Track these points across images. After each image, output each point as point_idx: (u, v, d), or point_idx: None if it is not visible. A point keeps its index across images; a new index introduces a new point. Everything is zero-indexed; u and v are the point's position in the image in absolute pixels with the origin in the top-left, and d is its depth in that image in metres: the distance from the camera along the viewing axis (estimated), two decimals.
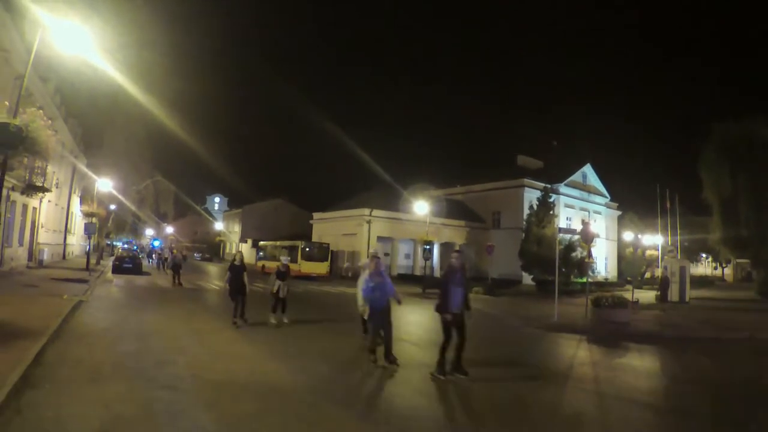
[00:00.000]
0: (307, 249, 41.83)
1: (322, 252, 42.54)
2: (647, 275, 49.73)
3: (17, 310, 12.75)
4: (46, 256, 32.77)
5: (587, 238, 21.20)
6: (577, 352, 13.40)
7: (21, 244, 28.11)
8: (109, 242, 59.85)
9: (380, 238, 46.89)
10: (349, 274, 45.29)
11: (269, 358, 10.27)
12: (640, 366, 11.92)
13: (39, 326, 10.84)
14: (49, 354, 9.12)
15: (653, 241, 45.35)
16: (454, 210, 51.45)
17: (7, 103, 9.80)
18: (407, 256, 50.20)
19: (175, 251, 34.66)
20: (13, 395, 6.54)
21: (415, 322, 19.01)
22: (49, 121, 10.36)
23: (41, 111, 10.34)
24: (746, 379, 11.24)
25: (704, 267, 76.31)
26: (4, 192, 22.81)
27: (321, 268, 41.42)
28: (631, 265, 51.89)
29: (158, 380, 7.92)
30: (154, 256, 51.02)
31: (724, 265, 72.99)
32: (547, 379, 9.99)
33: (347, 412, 7.00)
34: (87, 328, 12.28)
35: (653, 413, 8.09)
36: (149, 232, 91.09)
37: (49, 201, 33.89)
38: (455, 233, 50.51)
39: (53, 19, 10.01)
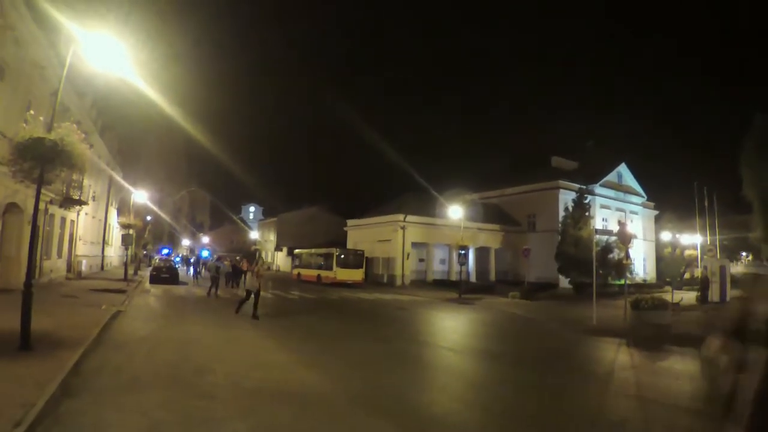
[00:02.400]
0: (342, 256, 41.83)
1: (357, 259, 42.52)
2: (686, 276, 48.91)
3: (57, 321, 12.89)
4: (84, 268, 33.25)
5: (624, 239, 20.88)
6: (618, 356, 13.19)
7: (60, 256, 28.52)
8: (146, 253, 60.26)
9: (415, 244, 46.72)
10: (385, 281, 45.33)
11: (306, 365, 10.24)
12: (683, 370, 11.66)
13: (78, 336, 10.98)
14: (88, 363, 9.21)
15: (692, 240, 44.62)
16: (488, 213, 51.07)
17: (41, 118, 9.93)
18: (442, 262, 49.93)
19: (227, 262, 34.47)
20: (52, 404, 6.60)
21: (452, 328, 18.87)
22: (84, 135, 10.43)
23: (75, 125, 10.41)
24: None
25: (745, 266, 74.87)
26: (42, 206, 23.36)
27: (356, 275, 41.40)
28: (669, 266, 51.03)
29: (196, 388, 7.95)
30: (201, 267, 46.77)
31: (765, 263, 71.54)
32: (588, 384, 9.85)
33: (383, 421, 6.91)
34: (125, 338, 12.39)
35: (698, 419, 7.90)
36: (186, 242, 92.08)
37: (86, 213, 34.42)
38: (491, 237, 50.14)
39: (86, 34, 10.11)
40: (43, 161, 9.51)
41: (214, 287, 26.49)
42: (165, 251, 67.60)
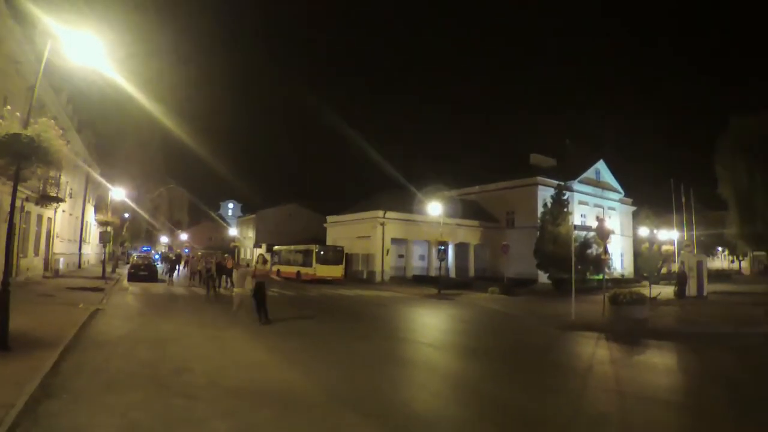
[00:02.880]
0: (322, 253, 41.75)
1: (336, 255, 42.46)
2: (663, 271, 49.36)
3: (34, 320, 12.78)
4: (61, 266, 33.00)
5: (603, 234, 21.00)
6: (597, 351, 13.29)
7: (36, 254, 28.26)
8: (124, 251, 59.78)
9: (394, 240, 46.71)
10: (365, 277, 45.29)
11: (286, 364, 10.25)
12: (661, 363, 11.79)
13: (56, 335, 10.91)
14: (67, 363, 9.17)
15: (669, 236, 45.10)
16: (468, 210, 51.31)
17: (18, 113, 9.78)
18: (422, 258, 49.96)
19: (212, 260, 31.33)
20: (30, 405, 6.58)
21: (432, 325, 18.91)
22: (61, 131, 10.30)
23: (53, 121, 10.28)
24: (763, 372, 11.15)
25: (721, 261, 75.75)
26: (19, 203, 23.09)
27: (336, 271, 41.35)
28: (647, 261, 51.50)
29: (175, 388, 7.91)
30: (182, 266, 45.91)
31: (741, 259, 72.41)
32: (568, 379, 9.91)
33: (365, 419, 6.90)
34: (103, 337, 12.28)
35: (676, 412, 7.99)
36: (164, 239, 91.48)
37: (63, 211, 34.07)
38: (470, 233, 50.34)
39: (63, 30, 10.01)
40: (19, 158, 9.39)
41: (212, 286, 25.71)
42: (145, 249, 66.96)
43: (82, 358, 9.73)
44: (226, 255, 37.66)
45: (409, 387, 8.97)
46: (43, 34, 10.47)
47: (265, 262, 16.98)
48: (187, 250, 60.90)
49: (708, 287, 29.57)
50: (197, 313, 18.65)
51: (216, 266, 27.47)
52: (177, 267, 38.71)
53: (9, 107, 10.13)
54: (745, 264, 73.15)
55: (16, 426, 5.89)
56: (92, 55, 10.38)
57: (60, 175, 27.81)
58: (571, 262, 20.95)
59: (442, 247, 33.78)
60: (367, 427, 6.67)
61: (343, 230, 51.46)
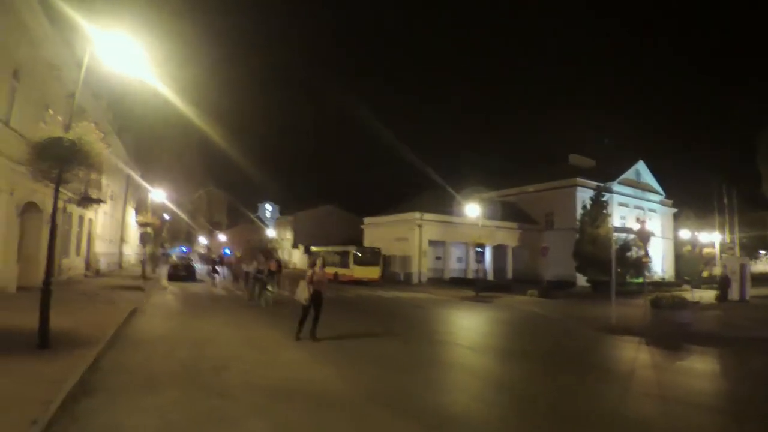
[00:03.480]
0: (359, 254, 41.76)
1: (373, 257, 42.43)
2: (705, 274, 48.53)
3: (75, 319, 12.97)
4: (102, 266, 33.54)
5: (644, 236, 20.69)
6: (638, 355, 13.06)
7: (78, 254, 28.78)
8: (163, 251, 60.41)
9: (432, 242, 46.63)
10: (402, 278, 45.21)
11: (322, 363, 10.22)
12: (704, 369, 11.55)
13: (96, 334, 11.04)
14: (105, 361, 9.29)
15: (710, 238, 44.29)
16: (506, 212, 51.04)
17: (60, 118, 9.94)
18: (459, 260, 49.81)
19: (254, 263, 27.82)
20: (69, 402, 6.65)
21: (470, 326, 18.79)
22: (102, 135, 10.41)
23: (93, 125, 10.41)
24: None
25: (764, 264, 74.16)
26: (60, 204, 23.50)
27: (373, 272, 41.32)
28: (688, 264, 50.67)
29: (212, 387, 7.95)
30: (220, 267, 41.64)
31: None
32: (608, 383, 9.74)
33: (401, 420, 6.83)
34: (143, 336, 12.44)
35: (720, 418, 7.78)
36: (203, 240, 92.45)
37: (104, 212, 34.74)
38: (508, 235, 50.06)
39: (101, 34, 10.12)
40: (61, 161, 9.50)
41: (258, 288, 22.43)
42: (184, 250, 67.40)
43: (121, 356, 9.85)
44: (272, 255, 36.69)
45: (446, 389, 8.86)
46: (82, 39, 10.60)
47: (324, 265, 14.15)
48: (227, 251, 59.56)
49: (751, 291, 28.97)
50: (233, 313, 18.75)
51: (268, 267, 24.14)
52: (218, 268, 35.52)
53: (51, 112, 10.26)
54: None
55: (54, 423, 5.93)
56: (131, 58, 10.48)
57: (101, 178, 28.35)
58: (611, 264, 20.61)
59: (480, 249, 33.58)
60: (402, 426, 6.61)
61: (381, 232, 51.49)
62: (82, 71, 10.73)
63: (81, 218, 29.08)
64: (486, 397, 8.44)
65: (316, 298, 13.24)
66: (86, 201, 27.47)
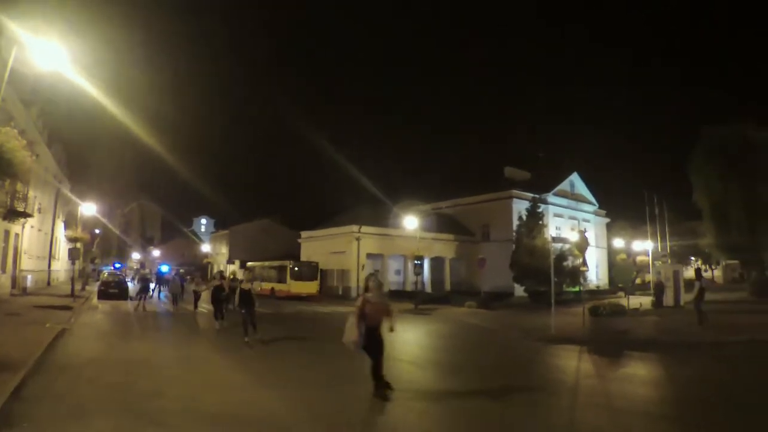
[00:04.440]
0: (296, 269, 41.30)
1: (311, 271, 42.00)
2: (638, 281, 49.62)
3: None
4: (29, 283, 32.16)
5: (582, 246, 20.90)
6: (581, 364, 13.10)
7: (3, 271, 27.51)
8: (94, 268, 58.54)
9: (370, 255, 46.37)
10: (340, 293, 44.85)
11: (263, 386, 9.84)
12: (647, 375, 11.68)
13: (19, 357, 10.40)
14: (29, 388, 8.67)
15: (643, 247, 45.24)
16: (443, 224, 51.24)
17: None
18: (398, 272, 49.69)
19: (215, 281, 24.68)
20: None
21: (410, 340, 18.59)
22: (25, 142, 9.89)
23: (16, 131, 9.88)
24: (756, 384, 10.95)
25: (693, 270, 76.22)
26: None
27: (311, 287, 40.88)
28: (622, 272, 51.73)
29: (146, 415, 7.49)
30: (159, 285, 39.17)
31: (714, 268, 72.94)
32: (554, 394, 9.63)
33: None
34: (70, 359, 11.78)
35: (669, 426, 7.72)
36: (136, 256, 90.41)
37: (32, 227, 33.29)
38: (445, 247, 50.20)
39: (30, 37, 9.66)
40: None
41: (219, 312, 19.40)
42: (117, 265, 64.86)
43: (46, 382, 9.25)
44: (230, 275, 34.66)
45: (392, 407, 8.57)
46: (9, 41, 10.10)
47: (380, 285, 10.45)
48: (167, 267, 53.27)
49: (684, 296, 29.64)
50: (168, 332, 18.20)
51: (228, 288, 21.98)
52: (150, 287, 30.30)
53: None
54: (718, 273, 73.68)
55: None
56: (58, 61, 10.01)
57: (28, 190, 27.24)
58: (550, 274, 20.69)
59: (419, 262, 33.54)
60: None
61: (318, 246, 50.93)
62: (5, 73, 10.18)
63: (7, 233, 27.78)
64: (432, 413, 8.21)
65: (371, 339, 9.46)
66: (12, 214, 26.10)
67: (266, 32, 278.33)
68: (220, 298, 19.71)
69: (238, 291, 18.41)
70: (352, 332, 9.32)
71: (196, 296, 25.93)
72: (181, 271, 35.31)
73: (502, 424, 7.59)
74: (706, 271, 75.28)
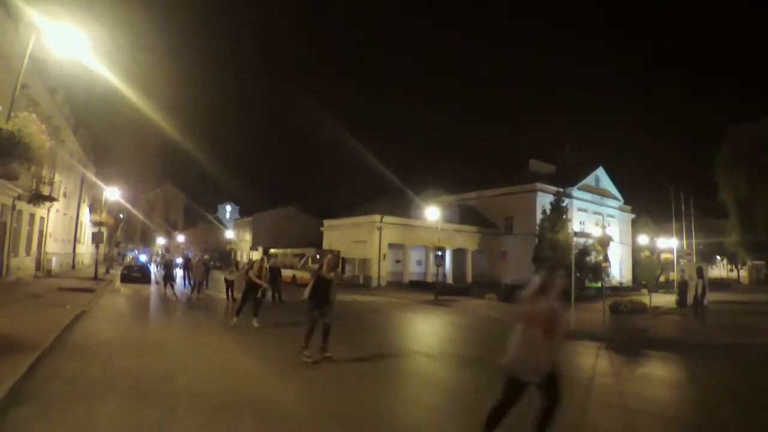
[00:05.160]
0: (318, 257, 41.31)
1: (332, 259, 41.96)
2: (662, 279, 49.15)
3: (16, 322, 12.44)
4: (54, 266, 32.60)
5: (604, 242, 20.69)
6: (598, 362, 12.85)
7: (28, 253, 27.87)
8: (119, 251, 58.98)
9: (391, 245, 46.27)
10: (361, 282, 44.80)
11: (274, 374, 9.82)
12: (665, 376, 11.43)
13: (36, 338, 10.47)
14: (42, 368, 8.76)
15: (668, 244, 44.80)
16: (466, 216, 51.04)
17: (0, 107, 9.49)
18: (419, 263, 49.57)
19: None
20: None
21: (428, 332, 18.50)
22: (43, 126, 9.94)
23: (34, 115, 9.93)
24: None
25: (720, 269, 75.55)
26: (10, 201, 22.75)
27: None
28: (645, 269, 51.32)
29: (153, 399, 7.49)
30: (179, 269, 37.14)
31: (740, 267, 72.11)
32: (568, 393, 9.44)
33: None
34: (86, 341, 11.88)
35: (683, 429, 7.57)
36: (161, 241, 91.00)
37: (57, 210, 33.70)
38: (468, 239, 50.03)
39: (48, 23, 9.67)
40: None
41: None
42: (142, 257, 64.16)
43: (60, 363, 9.31)
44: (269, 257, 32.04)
45: (402, 400, 8.49)
46: (28, 27, 10.15)
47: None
48: (190, 252, 52.15)
49: (709, 296, 29.23)
50: (187, 316, 18.26)
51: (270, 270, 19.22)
52: (174, 273, 28.25)
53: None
54: (743, 273, 72.79)
55: None
56: (77, 48, 10.02)
57: (53, 174, 27.57)
58: (571, 269, 20.50)
59: (440, 253, 33.43)
60: None
61: (340, 234, 50.98)
62: (25, 58, 10.23)
63: (32, 216, 28.20)
64: (442, 409, 8.10)
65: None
66: (37, 198, 26.60)
67: (292, 17, 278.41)
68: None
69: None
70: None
71: (228, 285, 22.86)
72: (206, 257, 34.18)
73: (510, 421, 7.47)
74: (732, 270, 74.57)
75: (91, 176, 43.57)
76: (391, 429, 6.97)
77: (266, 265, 17.43)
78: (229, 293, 22.80)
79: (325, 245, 51.03)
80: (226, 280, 23.21)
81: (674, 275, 39.65)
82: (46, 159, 10.47)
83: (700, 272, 23.17)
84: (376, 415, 7.51)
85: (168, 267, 27.26)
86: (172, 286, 25.91)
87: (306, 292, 11.38)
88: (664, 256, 46.82)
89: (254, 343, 13.18)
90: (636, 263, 55.95)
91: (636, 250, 55.91)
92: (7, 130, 8.98)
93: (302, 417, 7.23)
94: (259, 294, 16.38)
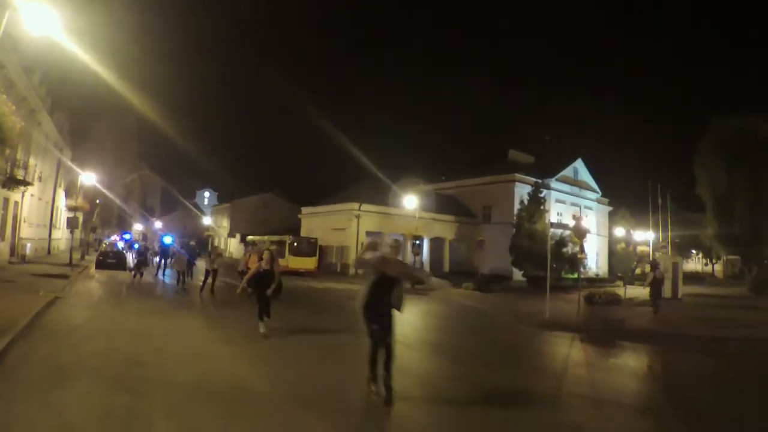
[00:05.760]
0: (296, 244, 41.34)
1: (310, 247, 42.03)
2: (638, 271, 49.55)
3: None
4: (29, 251, 32.19)
5: (580, 233, 20.80)
6: (571, 352, 12.96)
7: (2, 239, 27.51)
8: (96, 237, 58.45)
9: (369, 233, 46.20)
10: (338, 270, 44.80)
11: (245, 359, 9.74)
12: (637, 367, 11.55)
13: (7, 324, 10.32)
14: (12, 353, 8.65)
15: (644, 237, 45.21)
16: (444, 204, 51.04)
17: None
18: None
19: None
20: None
21: (404, 320, 18.48)
22: (14, 107, 9.78)
23: (5, 96, 9.76)
24: (746, 379, 10.85)
25: (695, 263, 76.32)
26: None
27: (309, 263, 40.90)
28: (622, 261, 51.75)
29: (122, 383, 7.41)
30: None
31: (714, 262, 72.90)
32: (541, 382, 9.51)
33: (319, 419, 6.50)
34: (57, 326, 11.75)
35: (653, 421, 7.59)
36: (138, 227, 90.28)
37: (32, 195, 33.26)
38: (445, 228, 50.09)
39: (23, 0, 9.51)
40: None
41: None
42: (126, 236, 63.19)
43: (30, 348, 9.19)
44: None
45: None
46: (2, 5, 9.97)
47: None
48: (170, 237, 44.63)
49: (683, 289, 29.54)
50: (162, 301, 18.15)
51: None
52: (148, 260, 28.29)
53: None
54: (718, 267, 73.65)
55: None
56: (50, 25, 9.85)
57: (28, 158, 27.20)
58: (548, 259, 20.60)
59: (417, 242, 33.49)
60: (317, 427, 6.29)
61: (319, 222, 50.95)
62: None
63: (6, 201, 27.76)
64: (414, 395, 8.05)
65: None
66: (11, 182, 26.28)
67: (268, 8, 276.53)
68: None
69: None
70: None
71: (211, 275, 21.26)
72: (192, 243, 32.72)
73: (482, 410, 7.47)
74: (707, 265, 75.38)
75: (67, 160, 43.02)
76: (359, 414, 7.04)
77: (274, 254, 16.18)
78: (205, 284, 21.14)
79: (304, 232, 51.09)
80: (207, 271, 21.54)
81: (649, 268, 40.07)
82: (18, 141, 10.30)
83: (654, 264, 23.74)
84: (346, 400, 7.51)
85: (140, 254, 25.79)
86: (141, 275, 24.23)
87: (359, 300, 7.88)
88: (640, 248, 47.22)
89: (221, 329, 13.17)
90: (612, 255, 56.39)
91: (613, 242, 56.33)
92: None
93: (269, 399, 7.23)
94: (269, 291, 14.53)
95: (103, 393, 6.95)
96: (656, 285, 22.29)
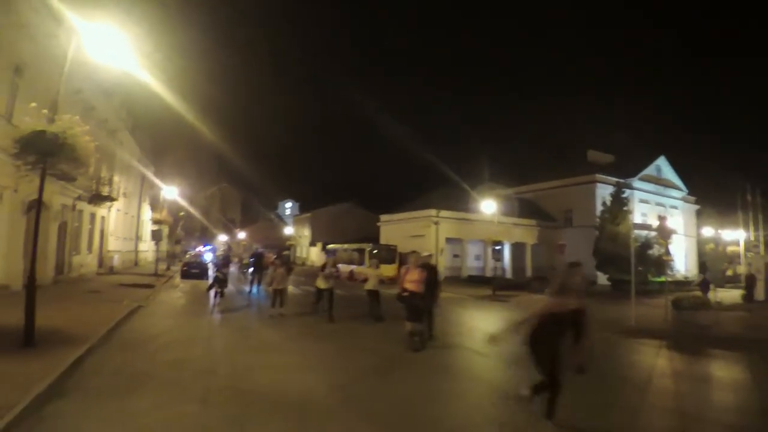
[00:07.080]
0: (374, 252, 41.36)
1: (389, 254, 41.93)
2: (729, 272, 47.71)
3: (71, 317, 12.77)
4: (116, 263, 33.47)
5: (665, 234, 20.03)
6: (657, 361, 12.35)
7: (90, 251, 28.61)
8: (181, 248, 60.21)
9: (449, 239, 46.10)
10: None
11: (313, 369, 9.69)
12: (728, 378, 10.81)
13: (87, 333, 10.78)
14: (88, 362, 8.99)
15: (734, 236, 43.46)
16: (524, 209, 50.41)
17: (44, 111, 9.73)
18: (477, 258, 49.27)
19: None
20: (38, 403, 6.45)
21: (482, 328, 18.20)
22: (87, 127, 10.12)
23: (77, 117, 10.16)
24: None
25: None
26: (71, 202, 23.32)
27: (389, 270, 40.82)
28: (711, 262, 49.90)
29: (192, 393, 7.51)
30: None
31: None
32: (625, 394, 9.09)
33: None
34: (135, 335, 12.12)
35: None
36: (222, 237, 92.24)
37: (117, 209, 34.76)
38: (526, 233, 49.43)
39: (90, 26, 9.88)
40: (44, 154, 9.41)
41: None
42: (208, 248, 65.30)
43: (106, 357, 9.54)
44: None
45: (444, 398, 8.23)
46: (70, 31, 10.35)
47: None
48: (260, 249, 43.33)
49: None
50: (241, 311, 18.37)
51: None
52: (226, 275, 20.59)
53: (34, 104, 9.98)
54: None
55: (13, 427, 5.72)
56: (121, 50, 10.17)
57: (113, 175, 28.36)
58: (631, 263, 19.88)
59: (498, 247, 33.07)
60: None
61: (397, 229, 50.94)
62: (67, 62, 10.46)
63: (93, 216, 29.04)
64: (487, 410, 7.80)
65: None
66: (97, 198, 27.63)
67: (333, 18, 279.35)
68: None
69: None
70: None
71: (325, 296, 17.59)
72: (285, 252, 30.69)
73: (563, 424, 7.19)
74: None
75: (151, 176, 44.54)
76: (427, 426, 6.81)
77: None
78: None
79: (382, 240, 51.11)
80: (318, 291, 17.93)
81: (741, 269, 38.47)
82: (93, 161, 10.65)
83: (703, 268, 22.69)
84: (414, 411, 7.39)
85: (219, 267, 21.28)
86: (221, 294, 19.10)
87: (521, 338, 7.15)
88: (730, 248, 45.48)
89: (299, 337, 13.23)
90: (701, 256, 54.45)
91: (701, 243, 54.42)
92: (51, 133, 9.26)
93: (337, 413, 7.11)
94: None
95: (173, 402, 7.03)
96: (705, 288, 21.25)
